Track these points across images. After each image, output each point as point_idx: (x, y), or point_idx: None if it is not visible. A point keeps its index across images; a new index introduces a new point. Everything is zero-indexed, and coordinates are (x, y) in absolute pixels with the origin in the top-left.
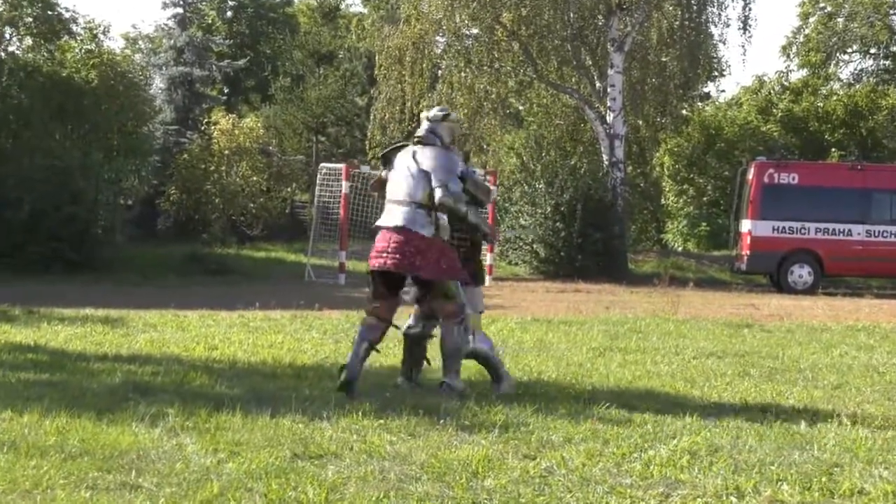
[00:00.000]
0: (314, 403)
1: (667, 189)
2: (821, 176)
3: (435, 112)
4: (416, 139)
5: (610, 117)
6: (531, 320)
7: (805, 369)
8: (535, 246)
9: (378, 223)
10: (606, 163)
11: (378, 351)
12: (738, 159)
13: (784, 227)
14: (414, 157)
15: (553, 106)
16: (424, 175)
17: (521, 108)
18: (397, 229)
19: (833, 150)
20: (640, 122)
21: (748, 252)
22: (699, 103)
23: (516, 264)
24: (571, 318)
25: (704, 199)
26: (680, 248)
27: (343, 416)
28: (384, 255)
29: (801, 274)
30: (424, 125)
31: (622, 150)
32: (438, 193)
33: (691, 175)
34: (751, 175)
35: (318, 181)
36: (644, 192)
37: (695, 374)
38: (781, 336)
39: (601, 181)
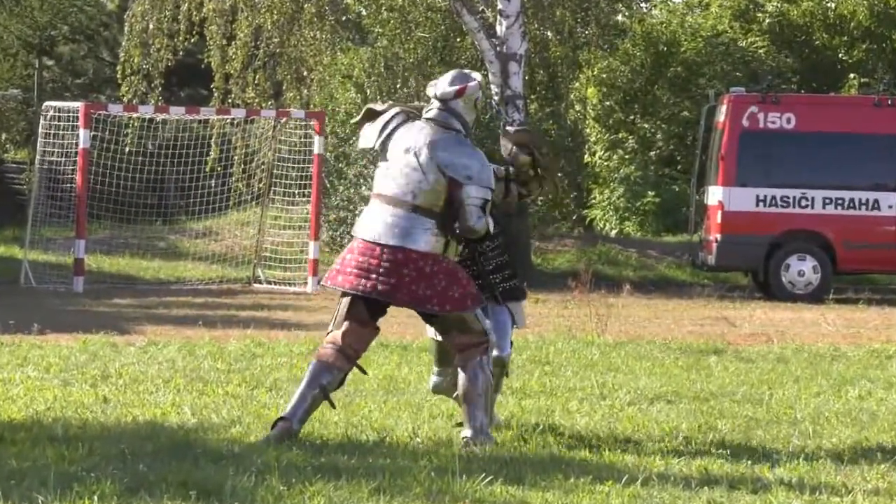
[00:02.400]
0: (26, 480)
1: (592, 139)
2: (831, 117)
3: (445, 88)
4: (426, 119)
5: (502, 27)
6: (377, 345)
7: (803, 420)
8: None
9: (358, 230)
10: (496, 98)
11: (333, 406)
12: (704, 92)
13: (774, 198)
14: (429, 146)
15: (413, 9)
16: (439, 175)
17: (362, 11)
18: (390, 248)
19: (851, 75)
20: (550, 35)
21: (719, 236)
22: (643, 4)
23: None
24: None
25: (651, 154)
26: (613, 232)
27: (79, 500)
28: (371, 276)
29: (802, 270)
30: (434, 106)
31: (521, 78)
32: (473, 220)
33: (630, 117)
34: (723, 116)
35: (41, 129)
36: (557, 143)
37: (629, 429)
38: (768, 367)
39: (487, 127)
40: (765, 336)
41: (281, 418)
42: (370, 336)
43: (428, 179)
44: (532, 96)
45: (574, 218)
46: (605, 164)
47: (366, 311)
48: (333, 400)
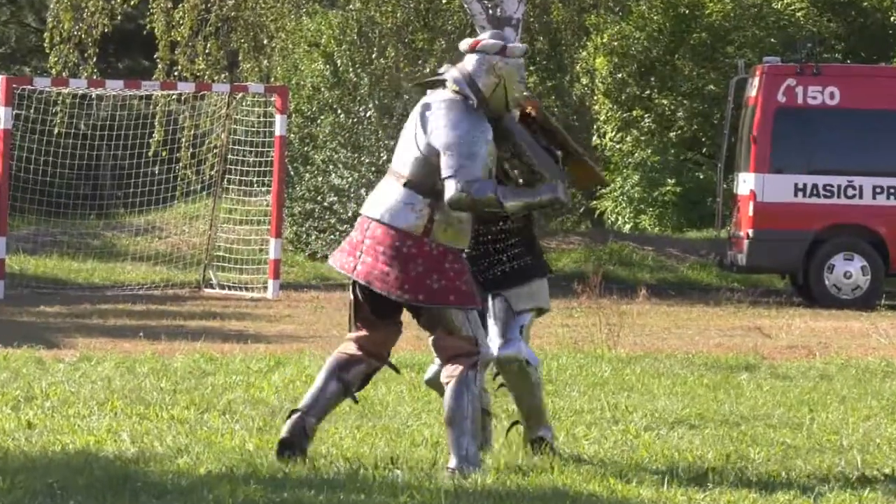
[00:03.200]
0: None
1: (602, 118)
2: (882, 91)
3: (465, 42)
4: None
5: None
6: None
7: (850, 447)
8: None
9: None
10: None
11: (356, 401)
12: (732, 62)
13: (815, 187)
14: (421, 109)
15: None
16: (425, 145)
17: None
18: (372, 221)
19: None
20: None
21: (751, 232)
22: None
23: (326, 257)
24: (420, 357)
25: (671, 135)
26: (626, 227)
27: None
28: (356, 253)
29: (849, 271)
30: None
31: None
32: (451, 189)
33: (647, 92)
34: (754, 91)
35: None
36: (560, 121)
37: (645, 459)
38: (809, 386)
39: None
40: (805, 349)
41: (294, 410)
42: (388, 338)
43: (420, 149)
44: (531, 68)
45: (581, 211)
46: (617, 147)
47: (369, 308)
48: (357, 396)
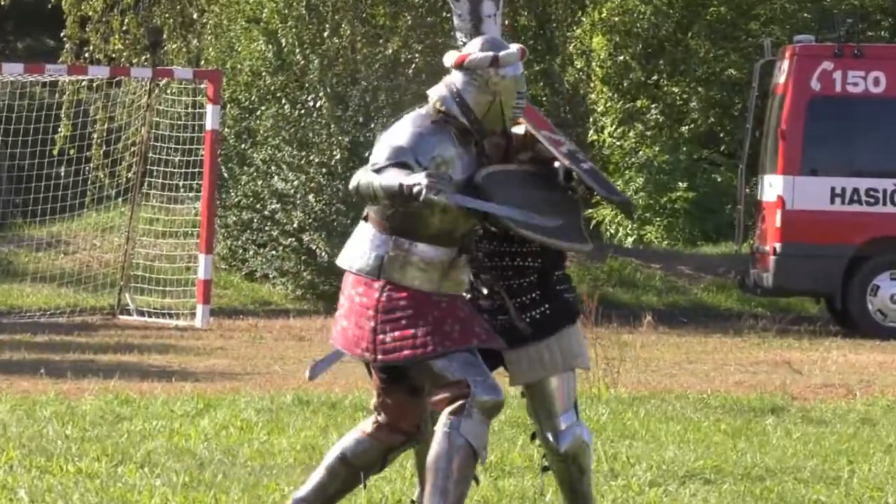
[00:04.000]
0: None
1: (600, 109)
2: None
3: (450, 56)
4: None
5: None
6: (293, 402)
7: None
8: (305, 239)
9: None
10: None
11: (364, 486)
12: (757, 41)
13: (857, 192)
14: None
15: None
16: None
17: None
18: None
19: None
20: None
21: (779, 247)
22: None
23: (267, 277)
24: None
25: (683, 129)
26: (629, 240)
27: None
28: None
29: None
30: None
31: (498, 23)
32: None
33: (654, 77)
34: (783, 76)
35: None
36: (551, 115)
37: None
38: (849, 432)
39: None
40: (843, 388)
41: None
42: (416, 406)
43: None
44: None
45: None
46: (618, 143)
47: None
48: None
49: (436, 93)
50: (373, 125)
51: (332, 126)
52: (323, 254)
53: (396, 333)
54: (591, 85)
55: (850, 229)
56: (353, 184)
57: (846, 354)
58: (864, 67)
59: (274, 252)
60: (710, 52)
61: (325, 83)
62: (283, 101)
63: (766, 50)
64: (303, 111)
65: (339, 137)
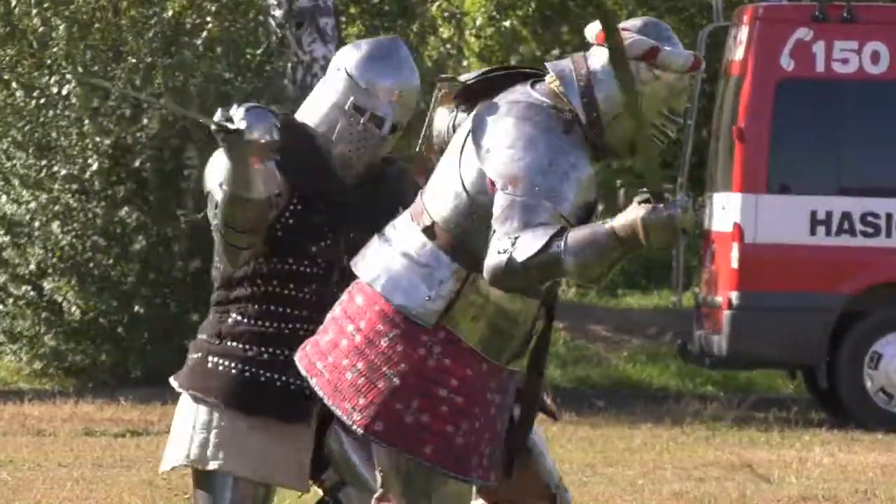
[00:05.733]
0: None
1: None
2: None
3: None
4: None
5: None
6: None
7: None
8: (47, 287)
9: None
10: (279, 17)
11: None
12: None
13: (848, 218)
14: (476, 122)
15: None
16: (473, 174)
17: None
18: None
19: None
20: None
21: (735, 297)
22: None
23: None
24: None
25: None
26: None
27: None
28: None
29: None
30: None
31: None
32: (494, 247)
33: (553, 52)
34: (741, 48)
35: None
36: None
37: None
38: None
39: (260, 71)
40: (830, 502)
41: None
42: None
43: (463, 182)
44: (352, 10)
45: None
46: None
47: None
48: None
49: (556, 67)
50: (145, 121)
51: (87, 122)
52: (73, 308)
53: (426, 419)
54: (464, 62)
55: (840, 272)
56: (523, 256)
57: (834, 453)
58: (857, 36)
59: (0, 306)
60: (634, 15)
61: (74, 59)
62: (14, 84)
63: (715, 12)
64: (42, 101)
65: (97, 139)
